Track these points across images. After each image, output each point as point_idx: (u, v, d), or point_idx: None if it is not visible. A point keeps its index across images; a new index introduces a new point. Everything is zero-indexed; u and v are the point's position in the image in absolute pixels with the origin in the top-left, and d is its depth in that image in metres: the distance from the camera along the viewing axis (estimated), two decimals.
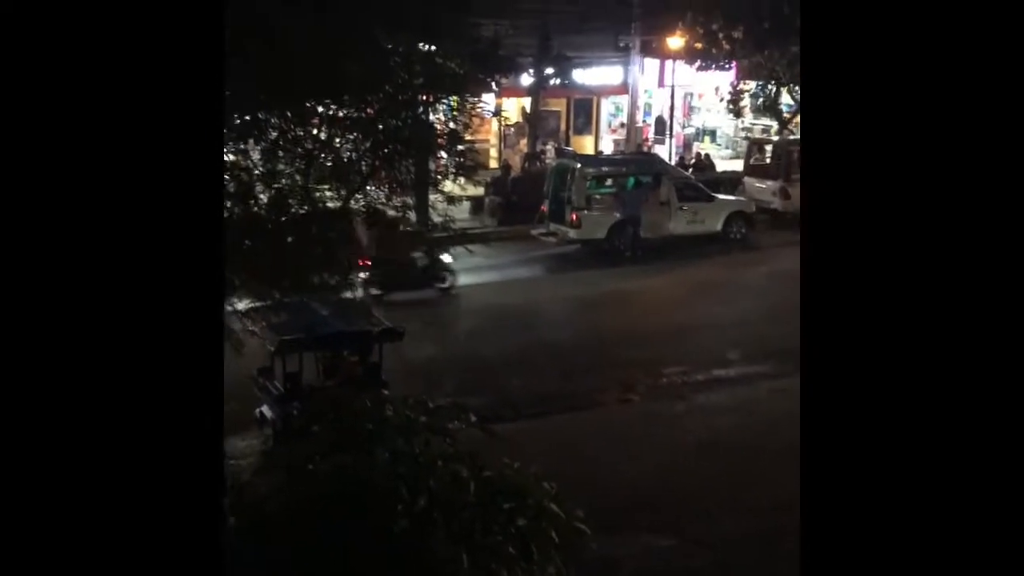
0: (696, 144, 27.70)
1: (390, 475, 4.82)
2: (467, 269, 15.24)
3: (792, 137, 23.64)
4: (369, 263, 12.35)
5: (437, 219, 8.38)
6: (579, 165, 18.14)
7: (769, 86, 23.61)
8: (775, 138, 23.33)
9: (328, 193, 7.40)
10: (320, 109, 7.22)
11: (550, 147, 24.34)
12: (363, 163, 7.45)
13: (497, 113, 24.90)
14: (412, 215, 8.06)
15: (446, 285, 14.80)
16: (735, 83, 24.24)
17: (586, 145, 26.99)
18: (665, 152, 24.51)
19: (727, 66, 23.88)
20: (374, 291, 13.34)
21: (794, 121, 25.37)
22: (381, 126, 7.37)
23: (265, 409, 9.40)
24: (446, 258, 14.33)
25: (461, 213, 18.62)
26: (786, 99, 24.01)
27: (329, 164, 7.32)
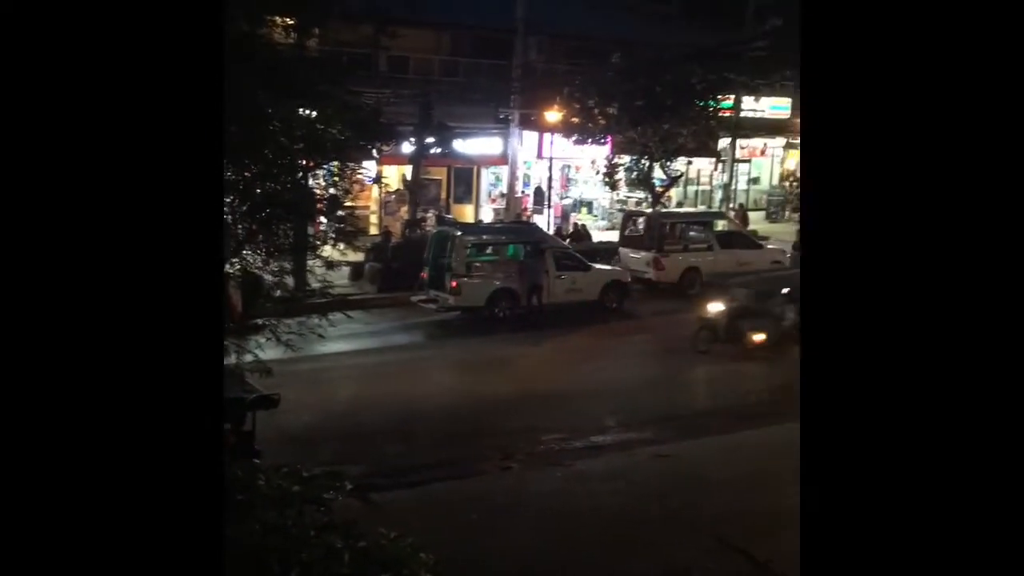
0: (574, 215, 28.38)
1: (260, 548, 4.63)
2: (346, 335, 15.02)
3: (664, 210, 24.51)
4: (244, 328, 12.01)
5: (315, 284, 8.26)
6: (459, 233, 18.28)
7: (642, 160, 24.48)
8: (648, 210, 24.13)
9: None
10: None
11: (431, 215, 24.48)
12: (240, 226, 7.31)
13: (378, 180, 25.03)
14: (290, 280, 7.92)
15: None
16: (610, 157, 25.07)
17: (466, 213, 27.28)
18: (544, 222, 24.99)
19: (603, 140, 24.71)
20: (248, 356, 12.95)
21: (667, 194, 26.34)
22: (259, 190, 7.26)
23: None
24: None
25: (340, 279, 18.52)
26: (659, 173, 24.93)
27: None
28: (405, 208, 24.34)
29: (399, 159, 23.68)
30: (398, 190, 25.53)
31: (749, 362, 14.99)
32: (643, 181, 24.97)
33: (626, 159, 24.91)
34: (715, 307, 15.77)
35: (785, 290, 15.42)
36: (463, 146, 24.46)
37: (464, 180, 28.27)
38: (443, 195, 27.59)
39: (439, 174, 27.07)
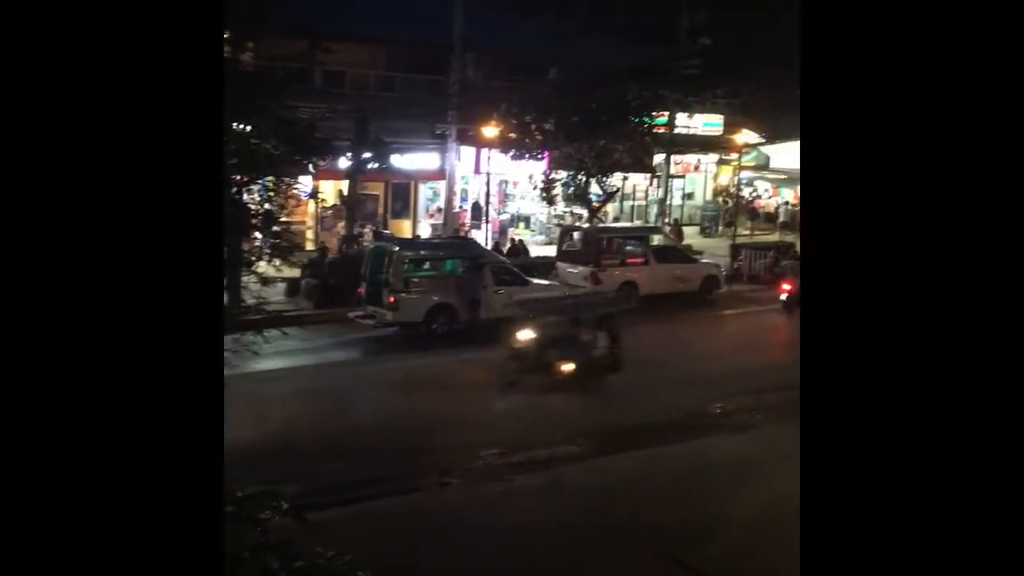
0: (511, 230, 28.50)
1: None
2: (282, 352, 14.82)
3: (600, 225, 24.76)
4: None
5: (250, 301, 8.16)
6: (397, 248, 18.21)
7: (579, 176, 24.71)
8: (585, 225, 24.35)
9: None
10: None
11: (368, 230, 24.35)
12: None
13: (314, 195, 24.82)
14: (224, 296, 7.81)
15: None
16: (547, 172, 25.25)
17: (404, 229, 27.21)
18: (481, 237, 25.04)
19: (540, 156, 24.89)
20: None
21: (603, 209, 26.62)
22: None
23: None
24: None
25: (276, 295, 18.31)
26: (595, 188, 25.19)
27: None
28: (342, 223, 24.18)
29: (336, 174, 23.53)
30: (335, 205, 25.35)
31: (556, 394, 14.31)
32: (580, 196, 25.20)
33: (563, 174, 25.12)
34: (525, 335, 14.75)
35: (596, 316, 14.90)
36: (400, 161, 24.42)
37: (402, 195, 28.20)
38: (380, 210, 27.48)
39: (376, 189, 26.96)
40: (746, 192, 35.76)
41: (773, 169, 36.60)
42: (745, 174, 33.86)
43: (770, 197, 37.79)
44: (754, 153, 35.15)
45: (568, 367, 14.30)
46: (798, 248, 26.71)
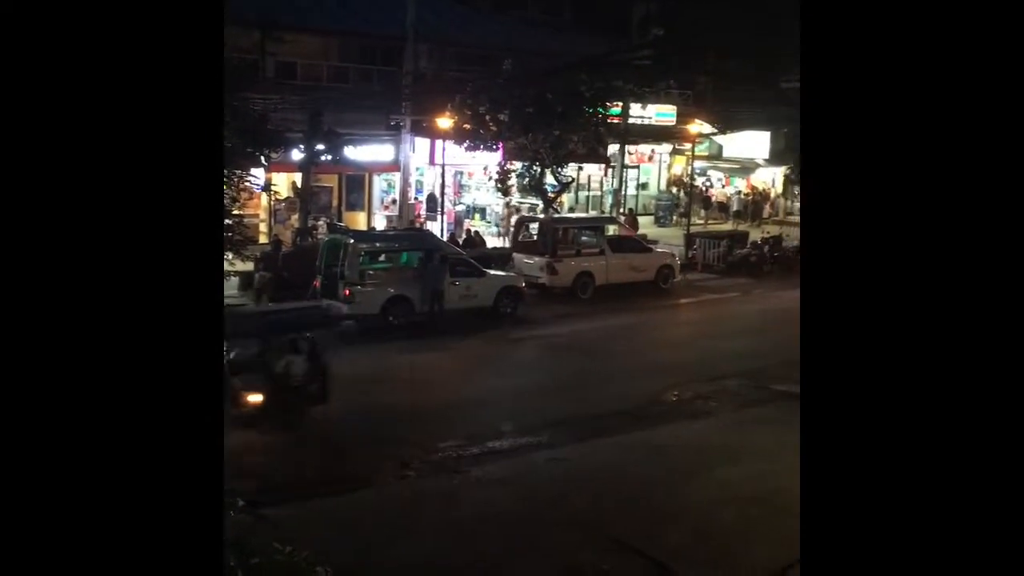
0: (467, 221, 28.44)
1: None
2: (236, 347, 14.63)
3: (556, 216, 24.82)
4: None
5: None
6: (352, 240, 18.07)
7: (534, 167, 24.73)
8: (541, 216, 24.38)
9: None
10: None
11: (322, 222, 24.14)
12: None
13: (267, 187, 24.51)
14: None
15: None
16: (502, 163, 25.23)
17: (359, 221, 27.02)
18: (437, 229, 24.95)
19: (494, 147, 24.84)
20: None
21: (559, 200, 26.68)
22: None
23: None
24: None
25: (230, 289, 18.08)
26: (550, 179, 25.23)
27: None
28: (296, 216, 23.95)
29: (289, 166, 23.28)
30: (288, 198, 25.08)
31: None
32: (535, 187, 25.22)
33: (518, 165, 25.12)
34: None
35: (291, 337, 12.50)
36: (354, 153, 24.22)
37: (356, 187, 27.99)
38: (335, 202, 27.25)
39: (330, 181, 26.72)
40: (700, 182, 36.06)
41: (726, 159, 36.98)
42: (698, 164, 34.14)
43: (723, 186, 38.18)
44: (707, 143, 35.46)
45: (254, 398, 11.65)
46: (753, 238, 26.99)
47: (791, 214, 36.62)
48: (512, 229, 26.03)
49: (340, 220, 25.61)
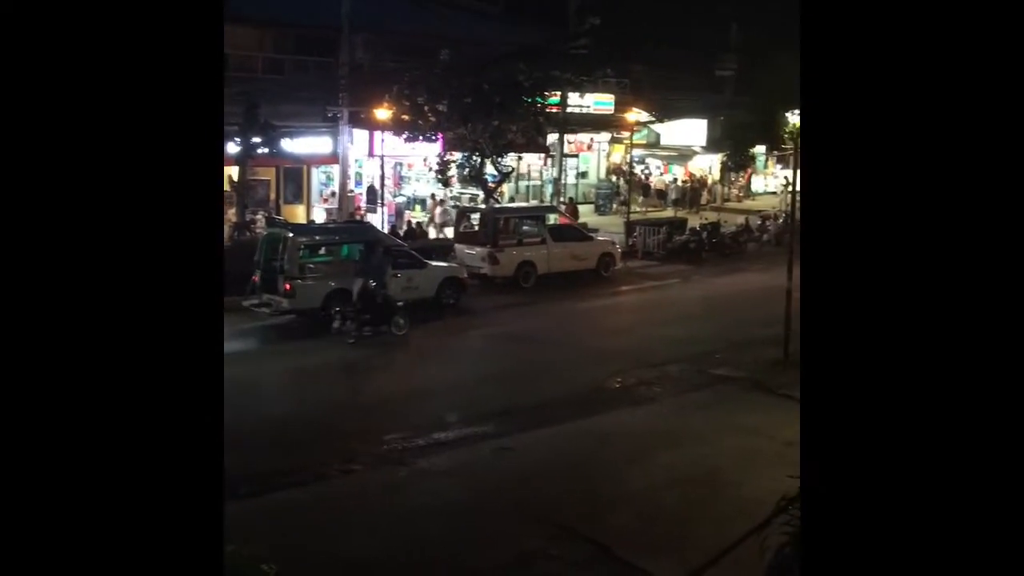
0: (408, 212, 28.30)
1: None
2: None
3: (497, 206, 24.84)
4: None
5: None
6: (291, 234, 17.86)
7: (474, 157, 24.70)
8: (482, 206, 24.37)
9: None
10: None
11: (260, 216, 23.80)
12: None
13: None
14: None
15: None
16: (442, 154, 25.15)
17: (298, 214, 26.71)
18: (377, 220, 24.79)
19: (434, 138, 24.76)
20: None
21: (499, 190, 26.71)
22: None
23: None
24: None
25: None
26: (490, 169, 25.24)
27: None
28: (233, 210, 23.56)
29: (225, 160, 22.90)
30: (224, 192, 24.69)
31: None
32: (475, 177, 25.20)
33: (458, 156, 25.07)
34: None
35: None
36: (291, 145, 23.93)
37: (294, 180, 27.66)
38: (272, 196, 26.90)
39: (267, 174, 26.37)
40: (638, 170, 36.39)
41: (664, 147, 37.35)
42: (637, 152, 34.44)
43: (661, 174, 38.57)
44: (645, 131, 35.78)
45: None
46: (691, 224, 27.32)
47: (728, 200, 37.18)
48: (434, 218, 26.05)
49: (278, 214, 25.28)
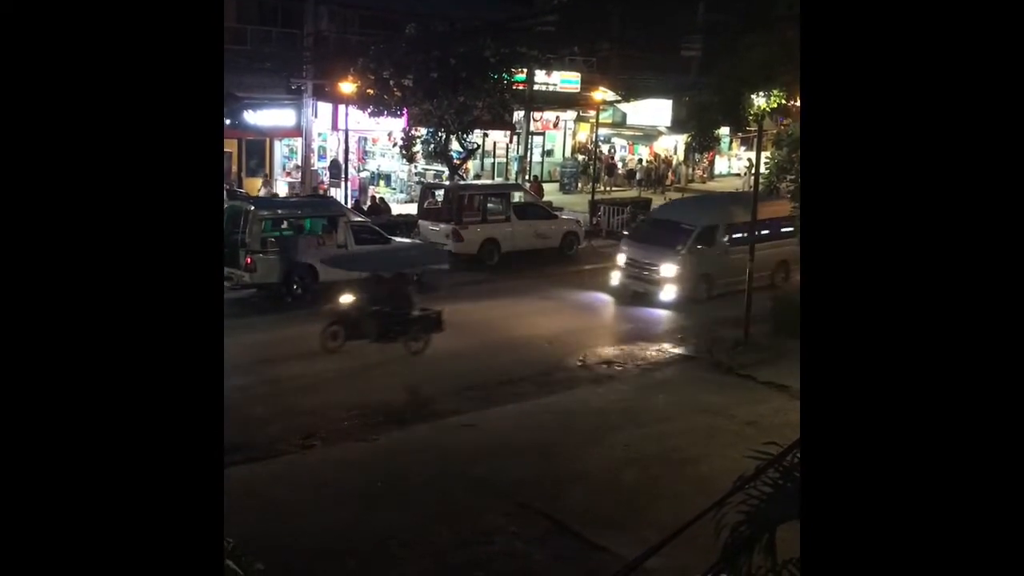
0: (372, 188, 28.09)
1: None
2: None
3: (462, 182, 24.73)
4: None
5: None
6: (253, 207, 17.65)
7: (439, 133, 24.54)
8: (447, 183, 24.25)
9: None
10: None
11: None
12: None
13: None
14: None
15: None
16: (407, 129, 24.96)
17: (259, 187, 26.39)
18: (341, 195, 24.58)
19: (399, 112, 24.54)
20: None
21: (464, 166, 26.58)
22: None
23: None
24: None
25: None
26: (455, 145, 25.10)
27: None
28: None
29: None
30: None
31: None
32: (440, 153, 25.05)
33: (423, 131, 24.89)
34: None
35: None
36: (254, 117, 23.61)
37: (256, 153, 27.32)
38: (234, 168, 26.54)
39: (229, 147, 25.99)
40: (604, 149, 36.40)
41: (629, 126, 37.38)
42: (603, 131, 34.42)
43: (627, 154, 38.63)
44: (611, 110, 35.77)
45: None
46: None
47: (692, 182, 37.35)
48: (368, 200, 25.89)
49: (240, 187, 24.98)
